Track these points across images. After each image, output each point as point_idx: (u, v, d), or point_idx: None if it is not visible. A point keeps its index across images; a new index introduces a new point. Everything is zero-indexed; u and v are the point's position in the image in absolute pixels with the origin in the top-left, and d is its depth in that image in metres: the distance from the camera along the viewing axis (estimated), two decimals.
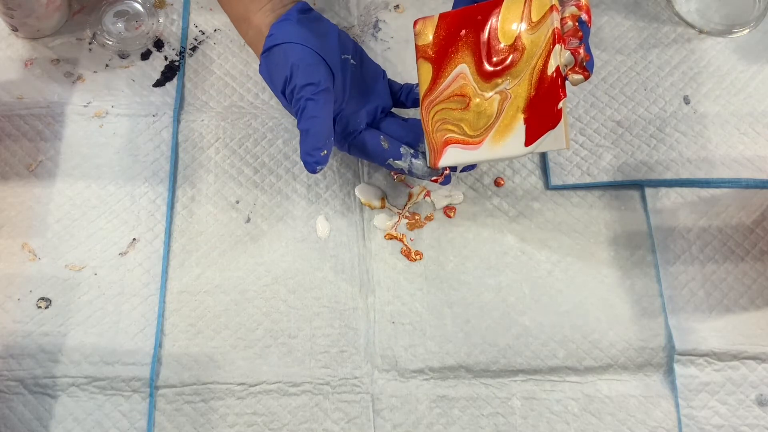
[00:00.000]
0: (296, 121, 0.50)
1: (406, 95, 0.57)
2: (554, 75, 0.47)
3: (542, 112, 0.47)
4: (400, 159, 0.53)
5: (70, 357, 0.53)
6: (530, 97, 0.48)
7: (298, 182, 0.59)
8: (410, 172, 0.54)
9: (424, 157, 0.53)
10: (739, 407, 0.52)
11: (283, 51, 0.51)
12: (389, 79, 0.57)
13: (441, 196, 0.58)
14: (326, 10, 0.66)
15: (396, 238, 0.57)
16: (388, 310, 0.55)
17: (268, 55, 0.52)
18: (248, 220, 0.58)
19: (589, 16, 0.48)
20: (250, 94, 0.62)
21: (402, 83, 0.58)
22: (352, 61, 0.54)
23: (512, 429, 0.52)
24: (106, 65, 0.63)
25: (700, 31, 0.65)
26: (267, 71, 0.53)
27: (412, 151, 0.54)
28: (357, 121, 0.54)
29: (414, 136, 0.55)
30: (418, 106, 0.53)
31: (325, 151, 0.49)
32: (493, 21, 0.49)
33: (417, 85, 0.54)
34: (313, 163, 0.49)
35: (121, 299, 0.55)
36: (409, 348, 0.54)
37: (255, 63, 0.63)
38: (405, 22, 0.66)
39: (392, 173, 0.59)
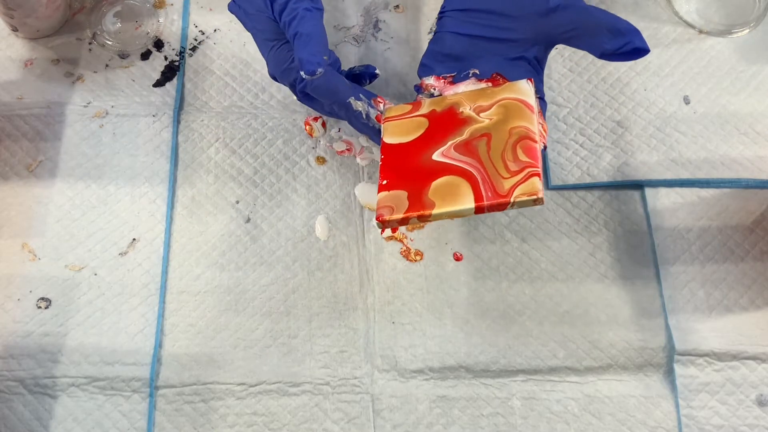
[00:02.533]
0: (290, 29, 0.49)
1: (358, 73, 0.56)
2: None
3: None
4: (360, 101, 0.52)
5: (70, 357, 0.53)
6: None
7: (298, 182, 0.59)
8: (366, 117, 0.53)
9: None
10: (739, 407, 0.52)
11: None
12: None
13: None
14: (326, 9, 0.66)
15: (396, 238, 0.57)
16: (388, 310, 0.55)
17: None
18: (248, 220, 0.58)
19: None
20: (250, 94, 0.62)
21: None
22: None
23: (512, 429, 0.52)
24: (106, 65, 0.63)
25: (700, 31, 0.65)
26: None
27: (368, 100, 0.53)
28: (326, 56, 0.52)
29: (366, 93, 0.54)
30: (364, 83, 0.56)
31: (326, 57, 0.48)
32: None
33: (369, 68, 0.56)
34: (315, 63, 0.47)
35: (121, 299, 0.55)
36: (409, 348, 0.54)
37: (255, 63, 0.63)
38: (405, 22, 0.66)
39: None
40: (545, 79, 0.62)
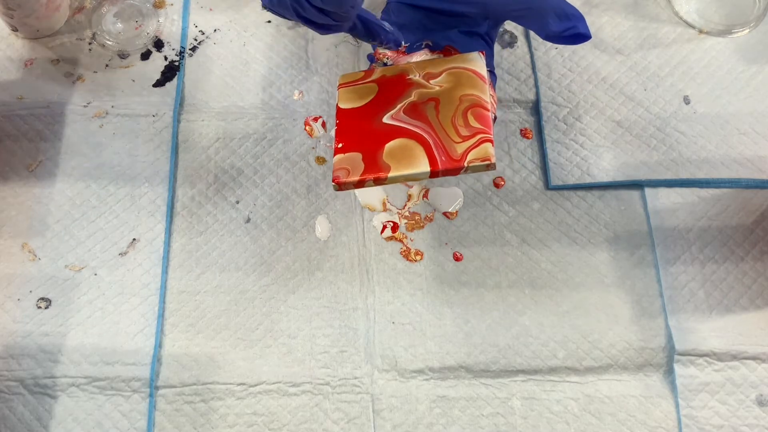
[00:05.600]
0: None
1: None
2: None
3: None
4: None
5: (70, 357, 0.53)
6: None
7: (298, 182, 0.59)
8: (391, 29, 0.51)
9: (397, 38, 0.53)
10: (739, 407, 0.52)
11: None
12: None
13: (439, 198, 0.58)
14: None
15: (396, 238, 0.57)
16: (388, 310, 0.55)
17: None
18: (248, 220, 0.58)
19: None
20: (250, 94, 0.62)
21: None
22: None
23: (512, 429, 0.52)
24: (106, 65, 0.63)
25: (700, 31, 0.65)
26: None
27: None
28: None
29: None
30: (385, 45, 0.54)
31: None
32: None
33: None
34: None
35: (121, 299, 0.55)
36: (409, 348, 0.54)
37: (255, 63, 0.63)
38: None
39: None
40: (545, 79, 0.62)
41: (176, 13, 0.65)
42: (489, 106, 0.50)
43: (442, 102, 0.50)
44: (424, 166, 0.48)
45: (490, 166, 0.47)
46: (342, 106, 0.53)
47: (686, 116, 0.61)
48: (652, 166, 0.59)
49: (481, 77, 0.51)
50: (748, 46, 0.64)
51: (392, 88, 0.53)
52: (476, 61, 0.52)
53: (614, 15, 0.65)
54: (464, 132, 0.49)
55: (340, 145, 0.51)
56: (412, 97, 0.51)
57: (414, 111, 0.51)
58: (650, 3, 0.66)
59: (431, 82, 0.52)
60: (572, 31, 0.50)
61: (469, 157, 0.47)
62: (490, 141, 0.48)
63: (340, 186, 0.49)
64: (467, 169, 0.47)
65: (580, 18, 0.50)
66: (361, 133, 0.51)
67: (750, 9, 0.65)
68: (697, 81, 0.62)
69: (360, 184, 0.49)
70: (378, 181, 0.49)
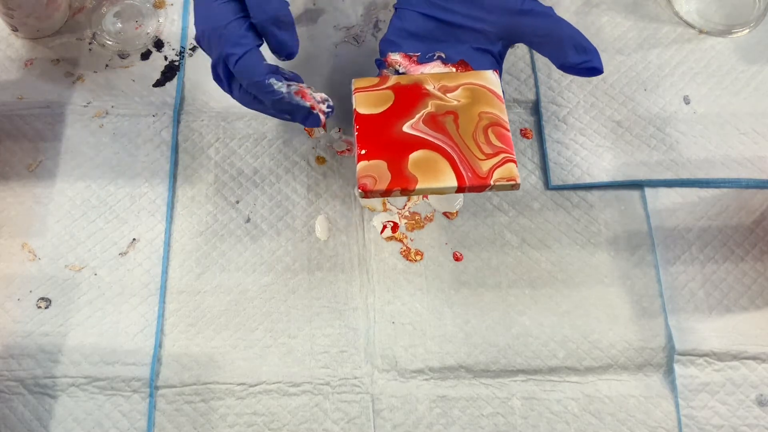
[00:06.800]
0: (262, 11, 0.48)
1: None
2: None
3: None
4: (281, 81, 0.49)
5: (70, 357, 0.53)
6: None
7: (298, 182, 0.59)
8: (288, 95, 0.50)
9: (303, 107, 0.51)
10: (739, 407, 0.52)
11: None
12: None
13: (439, 198, 0.58)
14: (326, 9, 0.66)
15: (396, 238, 0.57)
16: (388, 310, 0.55)
17: None
18: (248, 220, 0.58)
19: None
20: None
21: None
22: None
23: (512, 429, 0.52)
24: (106, 65, 0.63)
25: (700, 31, 0.65)
26: None
27: (289, 81, 0.50)
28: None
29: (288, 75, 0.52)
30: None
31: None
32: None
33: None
34: (297, 45, 0.49)
35: (121, 299, 0.55)
36: (409, 348, 0.54)
37: None
38: None
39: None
40: (545, 79, 0.62)
41: (176, 13, 0.65)
42: (509, 126, 0.51)
43: (460, 117, 0.51)
44: (452, 181, 0.49)
45: (515, 186, 0.49)
46: (360, 111, 0.53)
47: (686, 116, 0.61)
48: (652, 166, 0.59)
49: (498, 97, 0.51)
50: (748, 46, 0.64)
51: (409, 97, 0.53)
52: (492, 80, 0.52)
53: (614, 15, 0.65)
54: (487, 150, 0.49)
55: (363, 152, 0.51)
56: (430, 107, 0.52)
57: (433, 122, 0.51)
58: (650, 3, 0.66)
59: (448, 95, 0.52)
60: (588, 65, 0.52)
61: (495, 175, 0.48)
62: (514, 161, 0.49)
63: (366, 194, 0.50)
64: (493, 187, 0.48)
65: (596, 53, 0.52)
66: (382, 141, 0.51)
67: (750, 9, 0.65)
68: (697, 81, 0.62)
69: (387, 193, 0.49)
70: (405, 192, 0.49)
